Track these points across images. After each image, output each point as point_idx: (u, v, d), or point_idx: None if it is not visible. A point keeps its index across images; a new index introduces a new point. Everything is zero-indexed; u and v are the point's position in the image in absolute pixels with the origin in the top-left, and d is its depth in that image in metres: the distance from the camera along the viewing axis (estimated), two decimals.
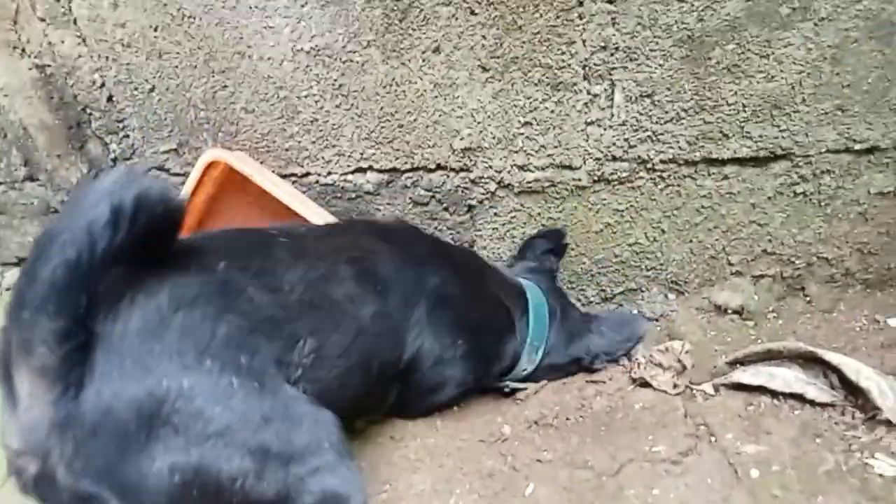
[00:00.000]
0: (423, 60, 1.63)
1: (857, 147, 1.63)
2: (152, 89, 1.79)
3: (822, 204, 1.73)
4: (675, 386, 1.68)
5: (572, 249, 1.91)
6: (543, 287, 1.81)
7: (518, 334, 1.71)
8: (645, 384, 1.70)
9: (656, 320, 1.92)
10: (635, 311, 1.99)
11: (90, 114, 1.88)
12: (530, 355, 1.73)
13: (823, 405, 1.55)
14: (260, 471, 1.07)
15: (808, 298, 1.85)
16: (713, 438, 1.53)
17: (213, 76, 1.73)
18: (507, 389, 1.78)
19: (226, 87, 1.75)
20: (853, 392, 1.54)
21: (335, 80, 1.69)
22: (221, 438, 1.03)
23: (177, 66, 1.74)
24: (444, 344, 1.58)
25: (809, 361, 1.61)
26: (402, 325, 1.52)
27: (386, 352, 1.48)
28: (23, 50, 1.80)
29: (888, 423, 1.46)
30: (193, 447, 1.00)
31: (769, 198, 1.73)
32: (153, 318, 1.04)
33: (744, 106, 1.60)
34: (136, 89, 1.80)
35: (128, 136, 1.89)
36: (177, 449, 0.99)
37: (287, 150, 1.82)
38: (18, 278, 0.96)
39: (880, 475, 1.38)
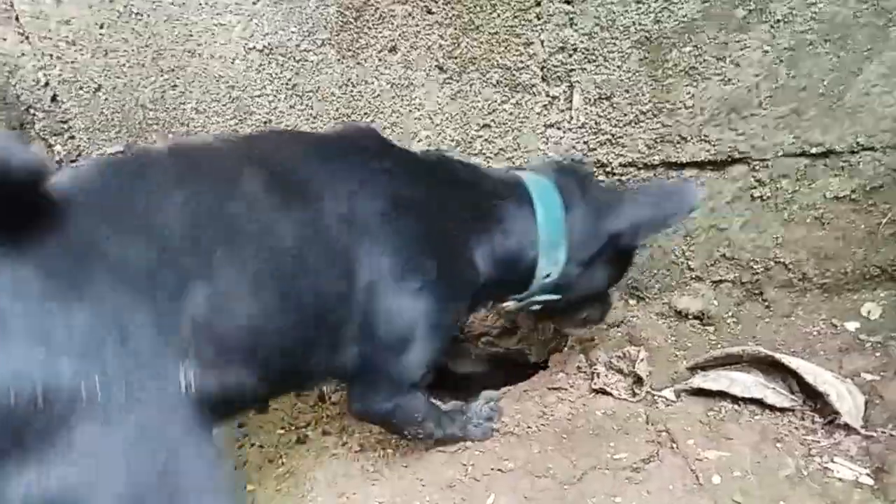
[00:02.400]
0: (380, 60, 1.60)
1: (813, 151, 1.64)
2: (98, 88, 1.73)
3: (780, 208, 1.73)
4: (635, 394, 1.66)
5: None
6: (553, 175, 1.45)
7: (519, 235, 1.38)
8: (604, 391, 1.68)
9: (617, 326, 1.90)
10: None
11: (34, 114, 1.81)
12: (550, 256, 1.40)
13: (783, 410, 1.55)
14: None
15: (766, 303, 1.85)
16: (674, 445, 1.51)
17: (162, 75, 1.68)
18: (534, 308, 1.52)
19: (175, 86, 1.69)
20: (812, 396, 1.54)
21: (289, 80, 1.65)
22: (83, 474, 0.84)
23: (124, 65, 1.68)
24: (409, 265, 1.25)
25: (769, 366, 1.61)
26: (345, 241, 1.19)
27: (324, 278, 1.17)
28: None
29: (847, 427, 1.47)
30: (54, 471, 0.82)
31: (728, 202, 1.73)
32: None
33: (701, 109, 1.60)
34: (81, 89, 1.74)
35: (73, 138, 1.83)
36: (33, 474, 0.82)
37: None
38: None
39: (840, 479, 1.38)
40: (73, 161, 1.86)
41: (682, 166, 1.69)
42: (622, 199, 1.43)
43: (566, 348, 1.90)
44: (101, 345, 0.89)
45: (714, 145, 1.64)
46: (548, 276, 1.43)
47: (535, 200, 1.39)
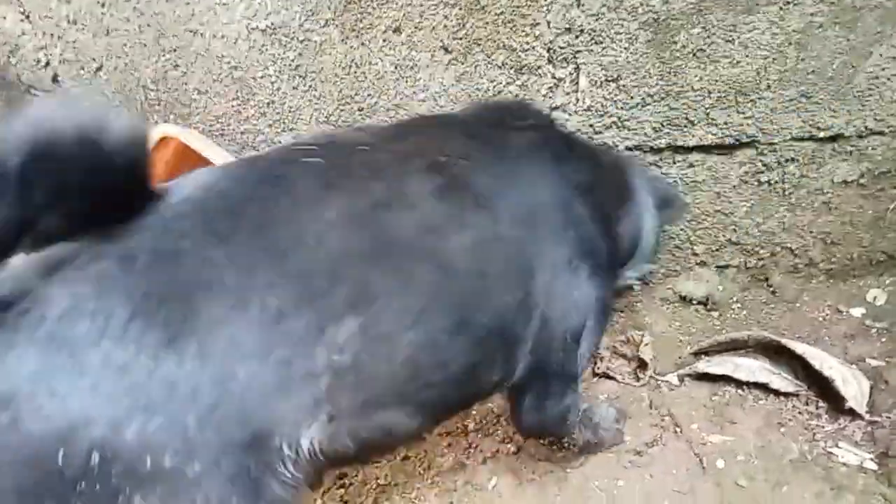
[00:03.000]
0: (384, 41, 1.58)
1: (822, 135, 1.62)
2: (99, 68, 1.71)
3: (787, 193, 1.71)
4: (639, 378, 1.66)
5: None
6: None
7: (641, 207, 1.40)
8: (607, 376, 1.68)
9: (620, 312, 1.89)
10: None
11: (34, 95, 1.79)
12: (650, 224, 1.44)
13: (788, 395, 1.55)
14: None
15: (772, 289, 1.84)
16: (678, 429, 1.51)
17: (164, 55, 1.66)
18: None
19: (177, 66, 1.68)
20: (817, 382, 1.53)
21: (292, 61, 1.63)
22: None
23: (125, 45, 1.66)
24: (583, 251, 1.15)
25: (774, 351, 1.61)
26: (523, 241, 1.07)
27: (503, 291, 1.03)
28: None
29: (851, 412, 1.46)
30: None
31: (734, 186, 1.71)
32: (61, 343, 0.72)
33: (709, 92, 1.58)
34: (82, 69, 1.72)
35: None
36: None
37: (242, 133, 1.76)
38: None
39: (844, 464, 1.38)
40: None
41: (688, 150, 1.67)
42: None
43: None
44: (189, 404, 0.74)
45: (721, 129, 1.62)
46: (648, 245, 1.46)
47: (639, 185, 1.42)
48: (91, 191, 0.74)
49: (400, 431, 0.98)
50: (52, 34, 1.67)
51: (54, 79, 1.74)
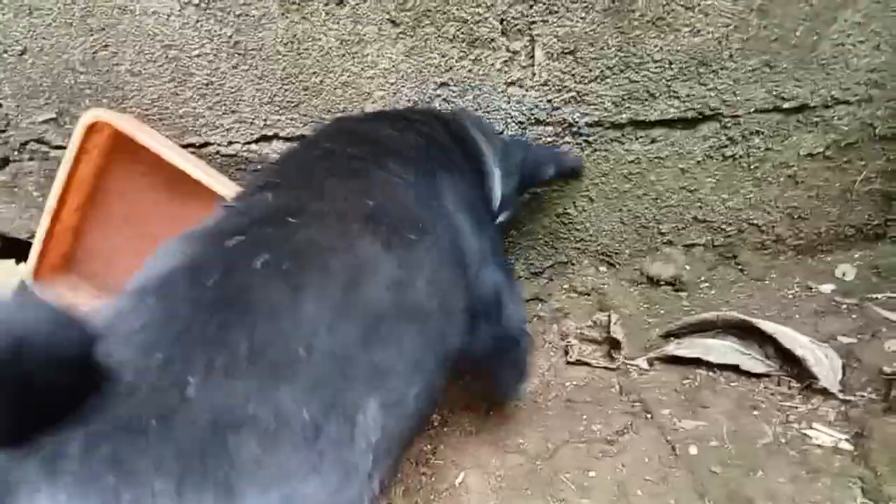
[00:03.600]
0: (327, 14, 1.48)
1: (786, 105, 1.58)
2: (24, 51, 1.59)
3: (752, 167, 1.67)
4: (613, 359, 1.61)
5: None
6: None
7: (488, 166, 1.45)
8: (580, 362, 1.62)
9: (587, 295, 1.83)
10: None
11: None
12: (495, 178, 1.46)
13: (759, 376, 1.51)
14: None
15: (740, 267, 1.80)
16: (649, 415, 1.47)
17: (92, 34, 1.55)
18: None
19: (107, 46, 1.56)
20: (788, 361, 1.49)
21: (230, 37, 1.53)
22: None
23: (50, 25, 1.54)
24: (476, 232, 1.22)
25: (744, 331, 1.57)
26: (455, 236, 1.15)
27: (458, 304, 1.09)
28: None
29: (824, 391, 1.43)
30: None
31: (698, 162, 1.66)
32: None
33: (670, 63, 1.52)
34: (5, 52, 1.60)
35: (0, 106, 1.68)
36: None
37: (181, 117, 1.65)
38: None
39: (818, 446, 1.33)
40: (1, 131, 1.72)
41: (651, 125, 1.61)
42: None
43: (536, 318, 1.83)
44: None
45: (684, 101, 1.57)
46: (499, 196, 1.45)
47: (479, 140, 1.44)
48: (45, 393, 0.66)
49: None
50: None
51: None
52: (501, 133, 1.64)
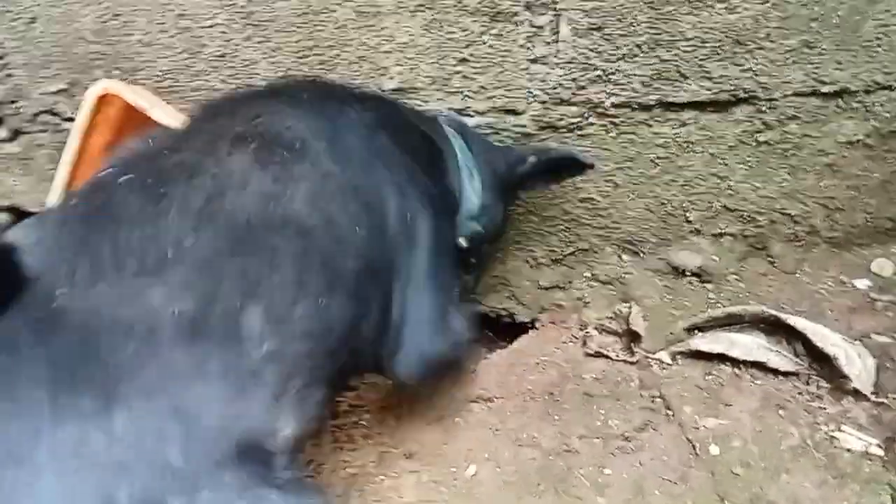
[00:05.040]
0: None
1: (826, 90, 1.50)
2: (34, 20, 1.58)
3: (787, 154, 1.60)
4: (633, 353, 1.57)
5: (519, 206, 1.74)
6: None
7: (451, 165, 1.40)
8: (599, 354, 1.58)
9: (609, 284, 1.78)
10: None
11: None
12: (470, 182, 1.43)
13: (787, 374, 1.45)
14: None
15: (771, 259, 1.73)
16: (670, 412, 1.43)
17: (103, 3, 1.53)
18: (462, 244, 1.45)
19: (118, 15, 1.54)
20: (818, 360, 1.44)
21: (243, 7, 1.49)
22: None
23: None
24: (405, 191, 1.18)
25: (772, 327, 1.51)
26: (366, 192, 1.10)
27: (359, 239, 1.05)
28: None
29: (855, 392, 1.37)
30: None
31: (730, 147, 1.60)
32: None
33: (703, 41, 1.45)
34: (15, 20, 1.58)
35: (11, 76, 1.68)
36: None
37: (194, 90, 1.63)
38: None
39: (848, 450, 1.29)
40: (12, 102, 1.70)
41: (681, 107, 1.55)
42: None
43: (554, 307, 1.79)
44: (163, 444, 0.72)
45: (716, 83, 1.50)
46: (473, 205, 1.42)
47: (451, 142, 1.42)
48: None
49: (317, 404, 0.97)
50: None
51: None
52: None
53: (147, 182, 0.91)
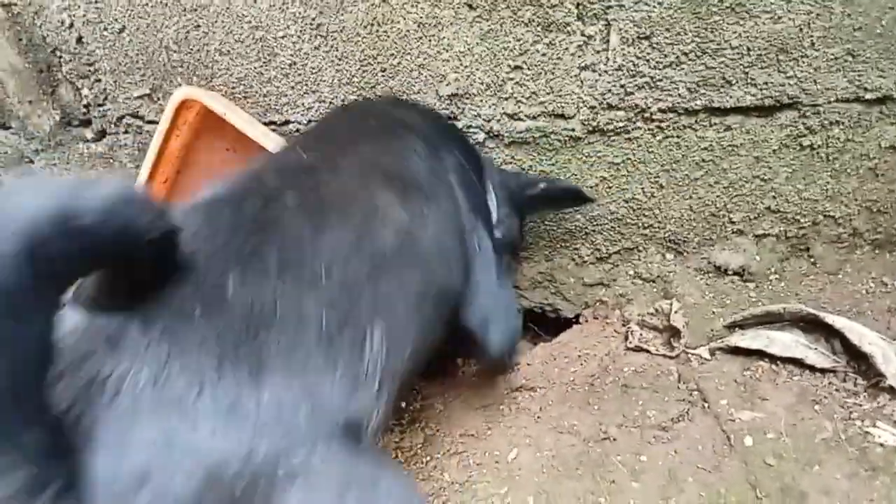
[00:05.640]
0: None
1: (869, 96, 1.52)
2: (122, 29, 1.70)
3: (830, 158, 1.62)
4: (673, 347, 1.61)
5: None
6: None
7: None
8: (640, 349, 1.64)
9: (652, 282, 1.83)
10: None
11: (60, 56, 1.79)
12: (490, 196, 1.58)
13: (824, 371, 1.49)
14: None
15: (812, 259, 1.76)
16: (706, 404, 1.47)
17: (185, 15, 1.64)
18: None
19: (198, 26, 1.65)
20: (856, 358, 1.47)
21: (313, 20, 1.59)
22: None
23: (147, 4, 1.64)
24: (476, 207, 1.40)
25: (811, 325, 1.54)
26: (457, 207, 1.30)
27: (456, 269, 1.24)
28: None
29: (891, 390, 1.40)
30: None
31: (774, 151, 1.63)
32: (165, 396, 0.78)
33: (748, 49, 1.49)
34: (105, 29, 1.71)
35: (99, 81, 1.80)
36: None
37: (265, 95, 1.73)
38: None
39: (881, 444, 1.31)
40: (99, 105, 1.84)
41: (726, 112, 1.59)
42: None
43: (598, 303, 1.84)
44: (295, 414, 0.85)
45: (761, 89, 1.54)
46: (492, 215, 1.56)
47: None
48: (116, 262, 0.78)
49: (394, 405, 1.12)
50: None
51: (79, 40, 1.73)
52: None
53: (310, 204, 1.05)
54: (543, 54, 1.56)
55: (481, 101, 1.65)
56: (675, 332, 1.61)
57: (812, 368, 1.48)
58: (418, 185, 1.20)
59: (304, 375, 0.89)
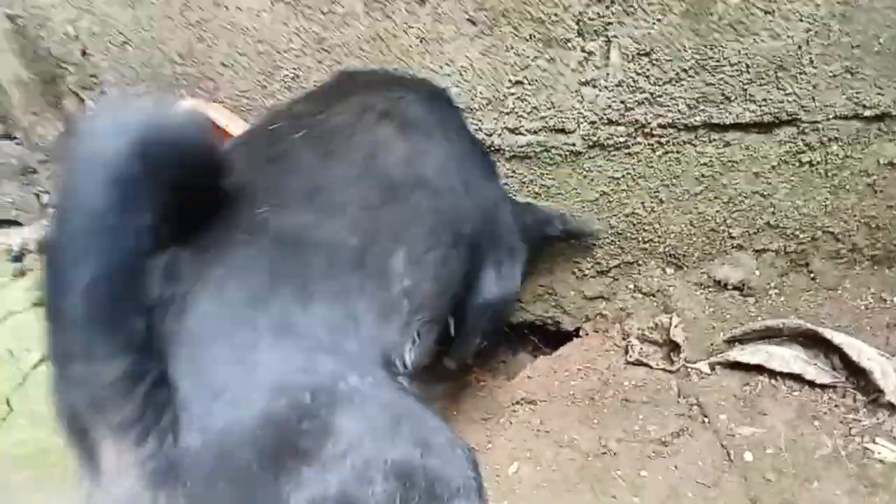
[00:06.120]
0: (408, 13, 1.54)
1: (867, 113, 1.54)
2: (126, 42, 1.71)
3: (829, 174, 1.63)
4: (673, 362, 1.62)
5: None
6: None
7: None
8: (640, 363, 1.64)
9: (652, 296, 1.83)
10: None
11: (65, 68, 1.80)
12: None
13: (823, 386, 1.50)
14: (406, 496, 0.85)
15: (812, 274, 1.76)
16: (706, 419, 1.48)
17: (190, 28, 1.65)
18: None
19: (202, 39, 1.66)
20: (855, 373, 1.48)
21: (316, 34, 1.60)
22: (359, 456, 0.81)
23: (151, 17, 1.66)
24: (489, 179, 1.45)
25: (810, 340, 1.56)
26: (464, 168, 1.32)
27: (470, 207, 1.28)
28: None
29: (890, 405, 1.41)
30: (330, 475, 0.79)
31: (773, 167, 1.64)
32: (226, 314, 0.84)
33: (747, 66, 1.50)
34: (110, 42, 1.72)
35: (104, 92, 1.82)
36: (312, 482, 0.78)
37: (268, 108, 1.74)
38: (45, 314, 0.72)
39: (880, 460, 1.33)
40: None
41: (725, 128, 1.60)
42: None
43: (598, 317, 1.85)
44: (343, 336, 0.91)
45: (760, 106, 1.55)
46: None
47: None
48: (186, 189, 0.82)
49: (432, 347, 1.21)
50: (79, 7, 1.67)
51: (83, 52, 1.75)
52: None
53: (317, 138, 1.11)
54: (544, 70, 1.57)
55: (482, 115, 1.66)
56: (675, 347, 1.62)
57: (811, 384, 1.49)
58: (416, 123, 1.23)
59: (345, 300, 0.94)
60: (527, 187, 1.77)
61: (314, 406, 0.81)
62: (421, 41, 1.57)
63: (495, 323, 1.53)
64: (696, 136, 1.62)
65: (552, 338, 1.92)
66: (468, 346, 1.47)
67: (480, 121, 1.66)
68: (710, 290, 1.81)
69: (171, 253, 0.86)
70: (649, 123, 1.61)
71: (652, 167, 1.68)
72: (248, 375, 0.80)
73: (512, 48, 1.55)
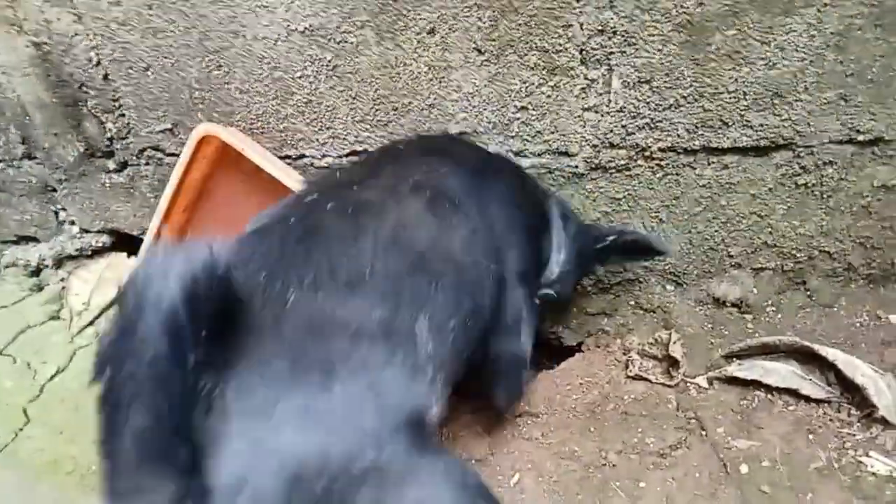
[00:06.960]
0: (418, 42, 1.60)
1: (861, 138, 1.59)
2: (147, 68, 1.78)
3: (825, 196, 1.69)
4: (672, 377, 1.66)
5: None
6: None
7: (554, 237, 1.59)
8: (640, 377, 1.69)
9: (652, 312, 1.89)
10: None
11: (86, 92, 1.87)
12: (557, 255, 1.59)
13: (818, 401, 1.54)
14: None
15: (808, 292, 1.81)
16: (704, 432, 1.52)
17: (208, 55, 1.72)
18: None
19: (220, 66, 1.73)
20: (849, 389, 1.52)
21: (329, 61, 1.66)
22: None
23: (171, 45, 1.72)
24: (516, 253, 1.43)
25: (806, 356, 1.59)
26: (493, 237, 1.35)
27: (488, 280, 1.31)
28: (20, 27, 1.79)
29: (884, 421, 1.45)
30: None
31: (770, 189, 1.69)
32: (247, 409, 0.89)
33: (744, 94, 1.56)
34: (131, 68, 1.79)
35: (123, 115, 1.88)
36: None
37: (281, 131, 1.81)
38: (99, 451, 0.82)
39: (873, 474, 1.36)
40: (122, 138, 1.92)
41: (723, 152, 1.66)
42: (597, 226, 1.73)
43: (600, 332, 1.90)
44: (361, 414, 0.94)
45: (757, 131, 1.61)
46: (552, 274, 1.58)
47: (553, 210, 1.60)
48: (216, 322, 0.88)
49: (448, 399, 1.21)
50: (102, 34, 1.73)
51: (105, 77, 1.81)
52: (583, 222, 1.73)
53: (348, 212, 1.17)
54: (548, 96, 1.63)
55: (489, 139, 1.72)
56: (674, 362, 1.67)
57: (807, 399, 1.53)
58: (447, 196, 1.28)
59: (368, 371, 0.98)
60: None
61: (325, 497, 0.85)
62: (430, 68, 1.64)
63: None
64: (695, 160, 1.68)
65: (555, 352, 1.96)
66: (511, 386, 1.54)
67: (486, 144, 1.72)
68: (709, 307, 1.86)
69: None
70: (650, 147, 1.67)
71: (652, 189, 1.74)
72: (266, 464, 0.85)
73: (517, 76, 1.61)
